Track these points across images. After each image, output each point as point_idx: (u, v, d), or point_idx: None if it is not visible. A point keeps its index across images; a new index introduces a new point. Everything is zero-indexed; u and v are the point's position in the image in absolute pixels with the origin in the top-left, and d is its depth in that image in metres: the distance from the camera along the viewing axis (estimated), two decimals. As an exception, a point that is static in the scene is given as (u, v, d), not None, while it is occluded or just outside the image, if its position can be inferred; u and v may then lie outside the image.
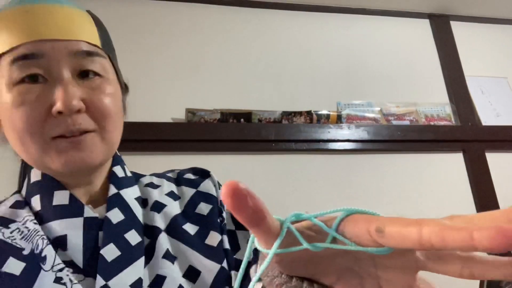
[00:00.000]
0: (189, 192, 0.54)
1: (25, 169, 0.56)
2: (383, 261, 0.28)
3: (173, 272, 0.45)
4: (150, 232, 0.48)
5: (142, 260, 0.45)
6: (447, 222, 0.21)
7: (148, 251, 0.46)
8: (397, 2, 1.70)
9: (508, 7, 1.78)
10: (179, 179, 0.56)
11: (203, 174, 0.58)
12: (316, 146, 1.40)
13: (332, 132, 1.41)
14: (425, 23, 1.76)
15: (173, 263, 0.46)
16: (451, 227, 0.20)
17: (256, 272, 0.39)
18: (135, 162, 1.28)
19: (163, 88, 1.41)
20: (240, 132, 1.35)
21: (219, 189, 0.55)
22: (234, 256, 0.50)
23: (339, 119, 1.46)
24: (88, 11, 0.53)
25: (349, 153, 1.44)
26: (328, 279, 0.29)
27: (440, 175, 1.46)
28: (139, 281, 0.43)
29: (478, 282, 1.26)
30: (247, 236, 0.52)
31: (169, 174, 0.58)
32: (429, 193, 1.42)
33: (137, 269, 0.44)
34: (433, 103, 1.60)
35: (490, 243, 0.18)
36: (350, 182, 1.40)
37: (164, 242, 0.47)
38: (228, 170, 1.33)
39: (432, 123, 1.54)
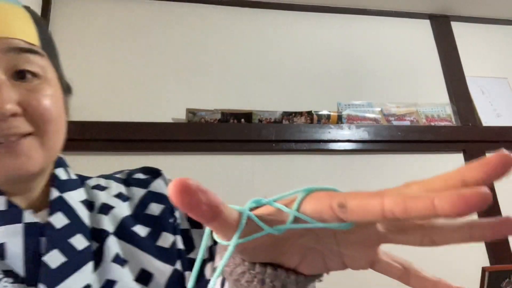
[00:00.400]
0: (139, 192, 0.52)
1: None
2: (345, 237, 0.28)
3: (124, 276, 0.44)
4: (98, 235, 0.46)
5: (90, 265, 0.43)
6: (406, 191, 0.21)
7: (96, 255, 0.44)
8: (397, 2, 1.70)
9: (508, 7, 1.78)
10: (128, 180, 0.54)
11: (154, 173, 0.55)
12: (317, 147, 1.40)
13: (333, 132, 1.41)
14: (426, 23, 1.76)
15: (123, 266, 0.45)
16: (412, 196, 0.20)
17: (215, 268, 0.38)
18: (135, 162, 1.28)
19: (164, 88, 1.41)
20: (240, 132, 1.35)
21: None
22: (189, 256, 0.49)
23: (339, 120, 1.46)
24: (26, 7, 0.48)
25: (349, 154, 1.44)
26: (291, 262, 0.29)
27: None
28: None
29: (478, 282, 1.26)
30: (202, 235, 0.51)
31: (118, 175, 0.55)
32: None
33: (85, 275, 0.42)
34: (433, 103, 1.60)
35: (451, 209, 0.18)
36: (351, 182, 1.40)
37: (113, 245, 0.45)
38: (228, 170, 1.33)
39: (432, 123, 1.54)
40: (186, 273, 0.47)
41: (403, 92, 1.61)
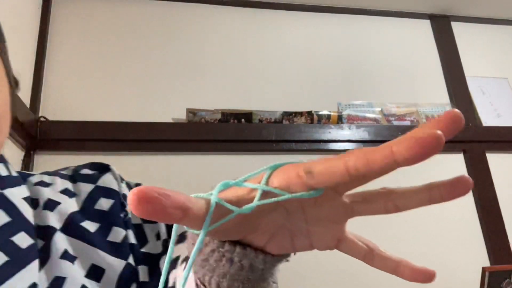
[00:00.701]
0: (86, 188, 0.50)
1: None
2: (314, 212, 0.28)
3: (74, 272, 0.42)
4: (43, 233, 0.44)
5: (35, 263, 0.41)
6: (368, 148, 0.22)
7: (43, 253, 0.42)
8: (397, 2, 1.70)
9: (508, 7, 1.78)
10: (74, 176, 0.52)
11: (102, 168, 0.53)
12: (317, 147, 1.40)
13: (333, 132, 1.41)
14: (426, 23, 1.76)
15: (73, 263, 0.43)
16: (372, 148, 0.21)
17: (185, 258, 0.38)
18: (135, 162, 1.28)
19: (164, 88, 1.41)
20: (240, 132, 1.35)
21: (122, 182, 0.51)
22: (142, 250, 0.48)
23: (339, 120, 1.46)
24: None
25: (349, 154, 1.44)
26: (260, 240, 0.29)
27: (441, 176, 1.43)
28: (33, 286, 0.40)
29: (478, 282, 1.26)
30: (155, 229, 0.49)
31: (63, 172, 0.53)
32: (429, 193, 1.41)
33: (30, 274, 0.40)
34: (433, 103, 1.60)
35: (408, 153, 0.20)
36: (351, 182, 1.40)
37: (60, 242, 0.44)
38: (228, 171, 1.33)
39: (432, 123, 1.54)
40: (140, 267, 0.46)
41: (403, 92, 1.61)
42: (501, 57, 1.78)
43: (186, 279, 0.26)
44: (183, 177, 1.28)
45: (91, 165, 0.53)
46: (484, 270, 1.25)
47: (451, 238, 1.38)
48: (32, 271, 0.40)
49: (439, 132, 0.19)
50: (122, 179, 0.52)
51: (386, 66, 1.64)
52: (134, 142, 1.28)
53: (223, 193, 0.27)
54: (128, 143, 1.28)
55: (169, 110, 1.38)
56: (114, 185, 0.50)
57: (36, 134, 1.21)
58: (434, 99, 1.61)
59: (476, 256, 1.36)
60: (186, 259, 0.40)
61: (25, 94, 1.25)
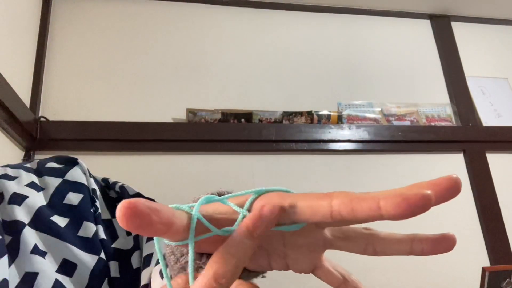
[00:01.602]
0: (53, 182, 0.48)
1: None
2: (293, 239, 0.28)
3: (46, 267, 0.41)
4: (10, 228, 0.42)
5: (5, 259, 0.40)
6: (355, 193, 0.22)
7: (12, 249, 0.41)
8: (397, 2, 1.70)
9: (508, 7, 1.78)
10: (40, 170, 0.50)
11: (69, 162, 0.51)
12: (317, 147, 1.40)
13: (333, 132, 1.41)
14: (426, 23, 1.76)
15: (44, 258, 0.42)
16: (359, 197, 0.21)
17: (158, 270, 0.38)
18: (135, 162, 1.28)
19: (164, 88, 1.41)
20: (240, 132, 1.35)
21: (90, 177, 0.50)
22: (113, 246, 0.47)
23: (339, 120, 1.46)
24: None
25: (349, 154, 1.44)
26: None
27: (441, 176, 1.45)
28: (3, 282, 0.38)
29: (478, 282, 1.26)
30: None
31: (27, 165, 0.51)
32: (429, 193, 1.41)
33: (0, 270, 0.39)
34: (433, 103, 1.60)
35: (395, 210, 0.19)
36: (351, 182, 1.40)
37: (30, 236, 0.42)
38: (228, 170, 1.33)
39: (432, 123, 1.54)
40: (111, 262, 0.45)
41: (403, 92, 1.61)
42: (501, 57, 1.78)
43: None
44: (183, 177, 1.28)
45: (57, 159, 0.51)
46: (484, 270, 1.25)
47: (451, 238, 1.37)
48: (1, 267, 0.39)
49: (428, 192, 0.19)
50: (90, 173, 0.51)
51: (386, 66, 1.64)
52: (134, 142, 1.28)
53: (204, 207, 0.27)
54: (128, 143, 1.28)
55: (169, 110, 1.38)
56: (82, 179, 0.49)
57: (36, 134, 1.21)
58: (434, 99, 1.61)
59: (476, 256, 1.36)
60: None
61: (25, 94, 1.24)
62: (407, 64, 1.66)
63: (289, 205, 0.24)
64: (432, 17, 1.76)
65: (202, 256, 0.29)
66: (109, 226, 0.48)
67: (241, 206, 0.26)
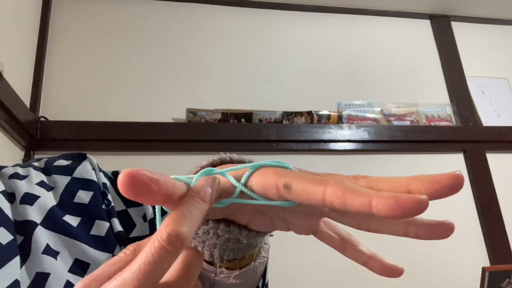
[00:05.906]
0: (63, 180, 0.47)
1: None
2: (291, 207, 0.29)
3: (58, 268, 0.41)
4: (22, 228, 0.42)
5: (17, 260, 0.39)
6: (350, 184, 0.22)
7: (23, 249, 0.41)
8: (397, 2, 1.70)
9: (508, 7, 1.78)
10: (47, 168, 0.49)
11: (78, 158, 0.50)
12: (317, 147, 1.40)
13: (333, 132, 1.41)
14: (426, 23, 1.76)
15: (56, 258, 0.42)
16: (353, 191, 0.21)
17: None
18: (135, 162, 1.28)
19: (164, 88, 1.41)
20: (240, 132, 1.35)
21: (100, 171, 0.49)
22: (131, 235, 0.47)
23: (339, 120, 1.46)
24: None
25: (349, 154, 1.44)
26: (242, 220, 0.31)
27: (441, 176, 1.45)
28: (15, 283, 0.38)
29: (478, 282, 1.26)
30: (141, 211, 0.48)
31: (35, 163, 0.50)
32: (429, 193, 1.41)
33: (12, 271, 0.38)
34: (433, 103, 1.60)
35: (386, 211, 0.19)
36: (351, 182, 1.40)
37: (42, 236, 0.42)
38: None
39: (432, 123, 1.54)
40: None
41: (403, 92, 1.61)
42: (501, 57, 1.78)
43: None
44: (183, 177, 1.28)
45: (66, 156, 0.50)
46: (484, 270, 1.25)
47: (451, 238, 1.36)
48: (13, 268, 0.39)
49: (423, 197, 0.19)
50: (100, 168, 0.50)
51: (386, 66, 1.64)
52: (134, 142, 1.28)
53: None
54: (128, 143, 1.28)
55: (169, 110, 1.38)
56: (91, 175, 0.48)
57: (36, 134, 1.21)
58: (434, 99, 1.62)
59: (476, 256, 1.36)
60: None
61: (25, 94, 1.24)
62: (407, 64, 1.66)
63: (284, 185, 0.24)
64: (432, 17, 1.76)
65: (208, 221, 0.31)
66: (125, 217, 0.48)
67: (239, 179, 0.27)
